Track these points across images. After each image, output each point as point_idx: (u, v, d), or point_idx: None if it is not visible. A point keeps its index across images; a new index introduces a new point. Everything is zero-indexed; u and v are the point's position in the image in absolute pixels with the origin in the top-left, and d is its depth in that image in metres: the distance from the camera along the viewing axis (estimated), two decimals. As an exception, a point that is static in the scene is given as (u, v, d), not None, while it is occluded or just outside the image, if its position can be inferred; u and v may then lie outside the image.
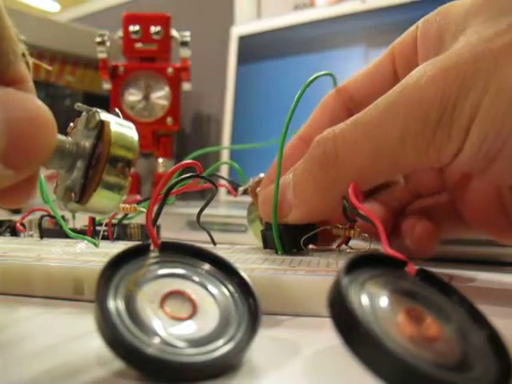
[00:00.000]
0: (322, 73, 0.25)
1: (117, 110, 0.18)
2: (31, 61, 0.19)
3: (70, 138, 0.17)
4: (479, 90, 0.16)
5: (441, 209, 0.26)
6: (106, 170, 0.16)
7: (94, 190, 0.16)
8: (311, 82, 0.23)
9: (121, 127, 0.16)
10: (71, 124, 0.18)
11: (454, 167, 0.18)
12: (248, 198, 0.29)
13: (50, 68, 0.47)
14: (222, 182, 0.32)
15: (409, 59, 0.23)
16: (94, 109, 0.17)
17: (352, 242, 0.24)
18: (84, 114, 0.17)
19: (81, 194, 0.16)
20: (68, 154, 0.16)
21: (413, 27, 0.23)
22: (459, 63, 0.17)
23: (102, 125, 0.16)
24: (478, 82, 0.16)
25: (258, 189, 0.27)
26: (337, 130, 0.20)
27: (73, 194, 0.16)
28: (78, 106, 0.17)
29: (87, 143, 0.16)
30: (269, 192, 0.23)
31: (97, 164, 0.16)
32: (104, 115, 0.16)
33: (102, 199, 0.16)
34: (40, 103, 0.15)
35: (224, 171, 0.67)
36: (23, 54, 0.17)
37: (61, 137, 0.16)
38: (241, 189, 0.29)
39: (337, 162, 0.20)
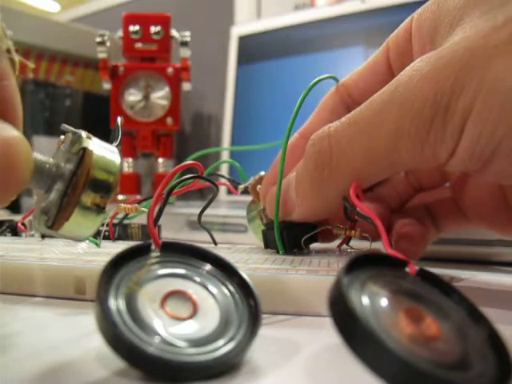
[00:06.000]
0: (325, 76, 0.24)
1: (119, 120, 0.18)
2: (17, 58, 0.18)
3: (51, 159, 0.16)
4: (472, 89, 0.16)
5: (442, 203, 0.26)
6: (80, 200, 0.15)
7: (66, 218, 0.15)
8: (314, 84, 0.23)
9: (103, 159, 0.16)
10: (62, 137, 0.17)
11: (450, 167, 0.18)
12: (248, 198, 0.29)
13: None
14: (223, 180, 0.32)
15: (403, 52, 0.23)
16: (79, 132, 0.16)
17: (353, 242, 0.24)
18: (70, 135, 0.17)
19: (54, 220, 0.16)
20: (47, 174, 0.16)
21: (407, 19, 0.22)
22: (453, 61, 0.17)
23: (84, 153, 0.16)
24: (471, 81, 0.16)
25: (259, 186, 0.27)
26: (331, 128, 0.20)
27: (46, 218, 0.16)
28: (64, 127, 0.17)
29: (67, 168, 0.16)
30: (274, 192, 0.23)
31: (73, 192, 0.15)
32: (87, 142, 0.16)
33: (74, 227, 0.16)
34: (13, 135, 0.15)
35: (224, 171, 0.67)
36: (8, 51, 0.17)
37: (40, 157, 0.16)
38: (241, 186, 0.29)
39: (331, 161, 0.19)
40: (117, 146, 0.17)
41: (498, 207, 0.23)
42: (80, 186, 0.15)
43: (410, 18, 0.22)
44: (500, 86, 0.16)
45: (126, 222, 0.30)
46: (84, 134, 0.16)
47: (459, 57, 0.17)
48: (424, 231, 0.25)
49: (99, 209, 0.16)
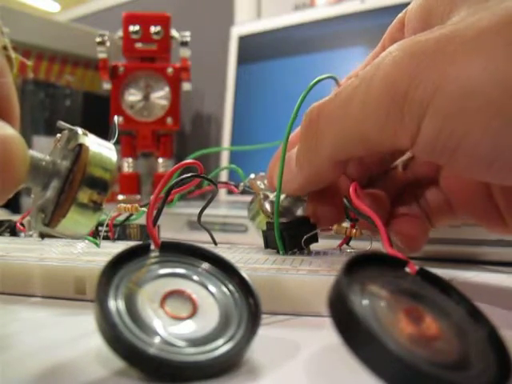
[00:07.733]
0: (325, 76, 0.25)
1: (116, 118, 0.18)
2: (14, 55, 0.18)
3: (47, 157, 0.16)
4: (430, 83, 0.16)
5: (431, 197, 0.26)
6: (76, 197, 0.15)
7: (63, 215, 0.15)
8: (314, 84, 0.23)
9: (99, 156, 0.16)
10: (58, 135, 0.17)
11: (417, 154, 0.18)
12: (248, 197, 0.29)
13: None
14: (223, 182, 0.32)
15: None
16: (76, 129, 0.16)
17: (353, 242, 0.24)
18: (66, 132, 0.17)
19: (51, 217, 0.15)
20: (43, 172, 0.16)
21: (402, 12, 0.23)
22: (420, 51, 0.16)
23: (80, 149, 0.16)
24: (431, 75, 0.16)
25: (259, 182, 0.28)
26: (322, 101, 0.21)
27: (43, 216, 0.16)
28: (60, 124, 0.17)
29: (63, 164, 0.16)
30: (273, 165, 0.24)
31: (69, 189, 0.15)
32: (83, 139, 0.16)
33: (71, 224, 0.16)
34: (9, 133, 0.15)
35: (224, 175, 0.67)
36: (5, 48, 0.16)
37: (37, 154, 0.16)
38: (242, 183, 0.30)
39: (318, 130, 0.20)
40: (114, 144, 0.17)
41: (484, 202, 0.23)
42: (76, 183, 0.15)
43: (404, 10, 0.23)
44: (459, 87, 0.15)
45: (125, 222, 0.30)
46: (80, 130, 0.16)
47: (427, 48, 0.16)
48: (422, 223, 0.25)
49: (96, 206, 0.16)
